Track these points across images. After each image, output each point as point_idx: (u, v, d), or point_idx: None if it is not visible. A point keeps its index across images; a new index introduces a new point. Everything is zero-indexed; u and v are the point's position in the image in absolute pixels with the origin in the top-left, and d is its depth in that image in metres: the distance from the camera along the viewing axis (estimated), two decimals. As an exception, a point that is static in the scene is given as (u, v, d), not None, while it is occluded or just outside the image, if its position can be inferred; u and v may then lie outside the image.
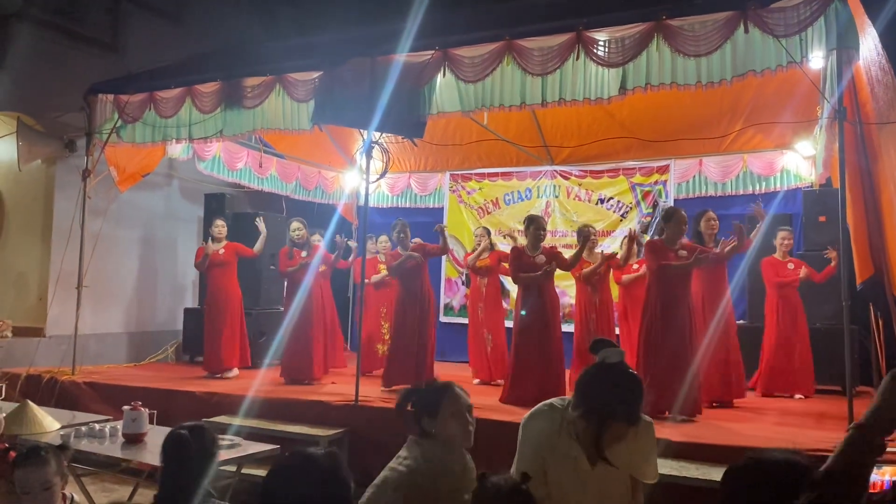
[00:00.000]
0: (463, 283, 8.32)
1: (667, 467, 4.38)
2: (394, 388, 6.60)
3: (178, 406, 6.27)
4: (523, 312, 6.20)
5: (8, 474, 3.03)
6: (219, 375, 7.50)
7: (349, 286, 10.41)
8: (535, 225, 6.45)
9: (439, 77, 5.72)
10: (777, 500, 1.67)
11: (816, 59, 4.88)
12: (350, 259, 8.46)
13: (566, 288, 8.39)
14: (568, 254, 7.00)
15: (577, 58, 5.16)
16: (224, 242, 7.77)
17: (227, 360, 7.60)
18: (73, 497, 2.91)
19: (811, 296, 7.08)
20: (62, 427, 4.57)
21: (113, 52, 8.96)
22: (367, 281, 8.45)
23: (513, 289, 7.98)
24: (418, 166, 10.49)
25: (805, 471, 1.69)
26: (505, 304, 8.33)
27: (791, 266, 7.08)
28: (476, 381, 7.55)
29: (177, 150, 8.28)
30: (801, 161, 8.22)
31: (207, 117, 6.92)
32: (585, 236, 6.77)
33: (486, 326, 7.62)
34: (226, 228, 7.84)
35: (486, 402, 6.04)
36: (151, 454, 4.03)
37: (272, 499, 1.77)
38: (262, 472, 4.81)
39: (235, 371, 7.64)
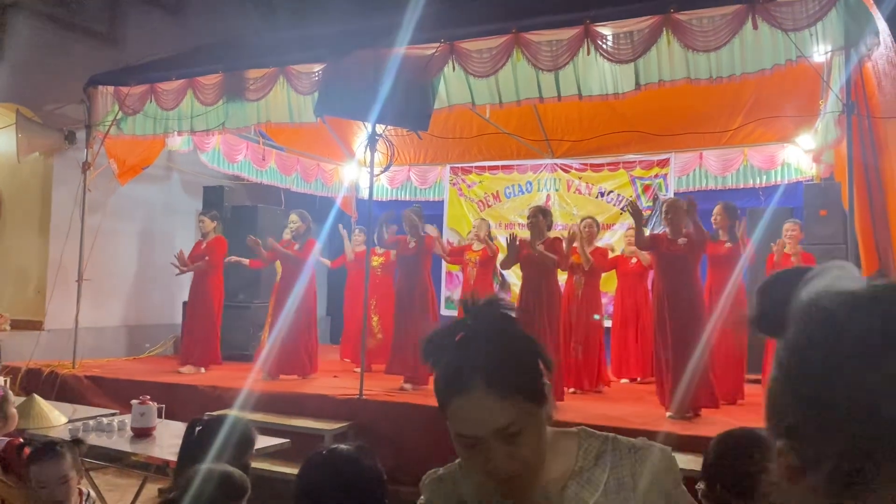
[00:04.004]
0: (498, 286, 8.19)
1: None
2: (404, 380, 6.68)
3: (180, 400, 6.24)
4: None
5: (21, 470, 3.01)
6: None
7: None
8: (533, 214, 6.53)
9: (448, 70, 5.70)
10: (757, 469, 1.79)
11: (822, 53, 4.89)
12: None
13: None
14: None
15: (588, 53, 5.14)
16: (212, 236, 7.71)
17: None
18: (89, 493, 2.90)
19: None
20: (69, 421, 4.55)
21: (111, 43, 8.88)
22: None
23: (513, 282, 7.98)
24: (418, 159, 10.46)
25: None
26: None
27: (794, 260, 6.99)
28: None
29: (177, 142, 8.23)
30: (801, 155, 8.23)
31: (209, 109, 6.88)
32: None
33: None
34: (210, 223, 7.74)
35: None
36: (160, 448, 4.01)
37: (312, 501, 1.74)
38: (269, 467, 4.83)
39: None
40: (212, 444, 2.50)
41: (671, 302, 5.59)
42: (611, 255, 7.75)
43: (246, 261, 7.88)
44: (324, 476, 1.76)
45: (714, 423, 5.14)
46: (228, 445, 2.50)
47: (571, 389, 6.62)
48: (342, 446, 1.83)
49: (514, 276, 7.83)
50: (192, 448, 2.56)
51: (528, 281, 6.33)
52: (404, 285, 7.00)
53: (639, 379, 7.51)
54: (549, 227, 6.50)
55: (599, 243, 7.71)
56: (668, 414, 5.42)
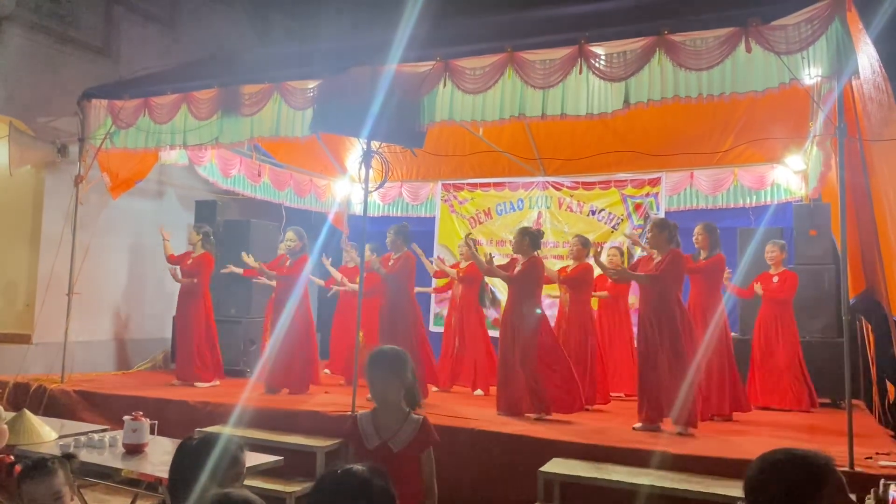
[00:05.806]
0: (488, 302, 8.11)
1: (667, 480, 4.40)
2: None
3: (171, 415, 6.18)
4: (538, 311, 6.21)
5: (12, 487, 2.98)
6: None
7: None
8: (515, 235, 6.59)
9: (441, 87, 5.73)
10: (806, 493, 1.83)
11: (812, 76, 4.94)
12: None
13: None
14: (557, 265, 7.08)
15: (581, 72, 5.18)
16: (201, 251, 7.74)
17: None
18: (81, 509, 2.87)
19: (800, 310, 7.14)
20: (60, 437, 4.50)
21: (105, 56, 8.89)
22: (338, 288, 8.49)
23: (504, 297, 7.94)
24: (410, 175, 10.50)
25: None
26: (495, 313, 8.30)
27: (776, 280, 7.08)
28: (434, 388, 7.49)
29: (172, 156, 8.23)
30: (791, 175, 8.31)
31: (203, 124, 6.87)
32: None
33: (458, 334, 7.65)
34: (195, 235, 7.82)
35: (483, 413, 6.09)
36: (152, 465, 3.98)
37: None
38: (261, 485, 4.78)
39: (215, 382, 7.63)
40: (201, 463, 2.46)
41: (648, 321, 5.66)
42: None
43: (239, 270, 7.93)
44: (336, 497, 1.76)
45: (705, 439, 5.16)
46: (219, 466, 2.46)
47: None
48: (357, 466, 1.83)
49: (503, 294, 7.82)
50: (182, 468, 2.52)
51: (511, 298, 6.35)
52: (384, 305, 7.00)
53: (623, 395, 7.49)
54: (537, 248, 6.46)
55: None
56: (634, 425, 5.62)
